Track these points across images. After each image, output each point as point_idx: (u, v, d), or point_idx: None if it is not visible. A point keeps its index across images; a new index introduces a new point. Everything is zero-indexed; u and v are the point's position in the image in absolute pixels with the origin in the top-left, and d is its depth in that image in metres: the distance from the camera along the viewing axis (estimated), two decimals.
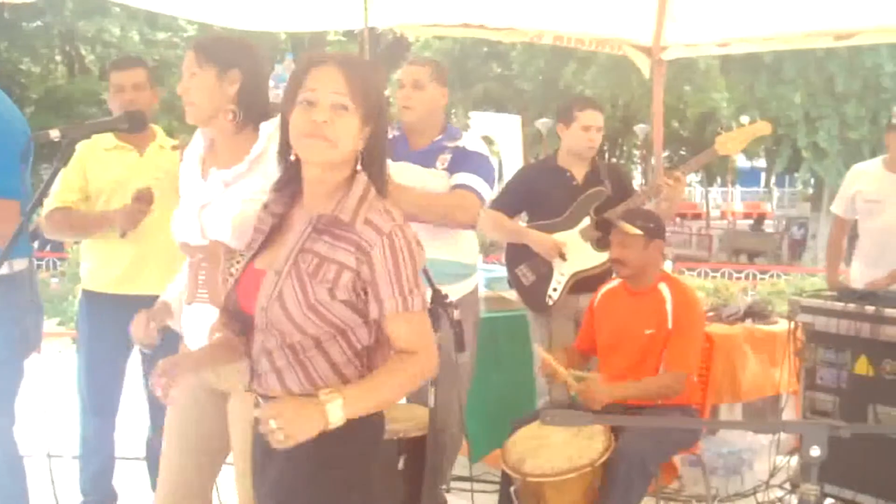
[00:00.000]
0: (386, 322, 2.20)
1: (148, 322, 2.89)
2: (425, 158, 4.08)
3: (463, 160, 4.09)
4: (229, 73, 2.80)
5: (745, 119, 4.81)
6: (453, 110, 28.41)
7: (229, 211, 2.80)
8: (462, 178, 4.05)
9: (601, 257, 4.61)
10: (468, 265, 4.28)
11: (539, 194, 4.78)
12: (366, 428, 2.23)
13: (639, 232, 4.10)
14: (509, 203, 4.85)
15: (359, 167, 2.25)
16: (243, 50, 2.87)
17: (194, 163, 2.98)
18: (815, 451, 1.83)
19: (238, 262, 2.54)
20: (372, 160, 2.27)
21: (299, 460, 2.20)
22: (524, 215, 4.96)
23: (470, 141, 4.17)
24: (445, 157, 4.09)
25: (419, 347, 2.23)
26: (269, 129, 2.83)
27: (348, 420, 2.12)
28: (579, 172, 4.80)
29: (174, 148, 4.14)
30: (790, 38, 6.41)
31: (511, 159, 14.33)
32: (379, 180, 2.28)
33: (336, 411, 2.08)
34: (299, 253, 2.20)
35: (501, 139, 16.23)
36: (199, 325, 2.81)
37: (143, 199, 3.93)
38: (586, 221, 4.68)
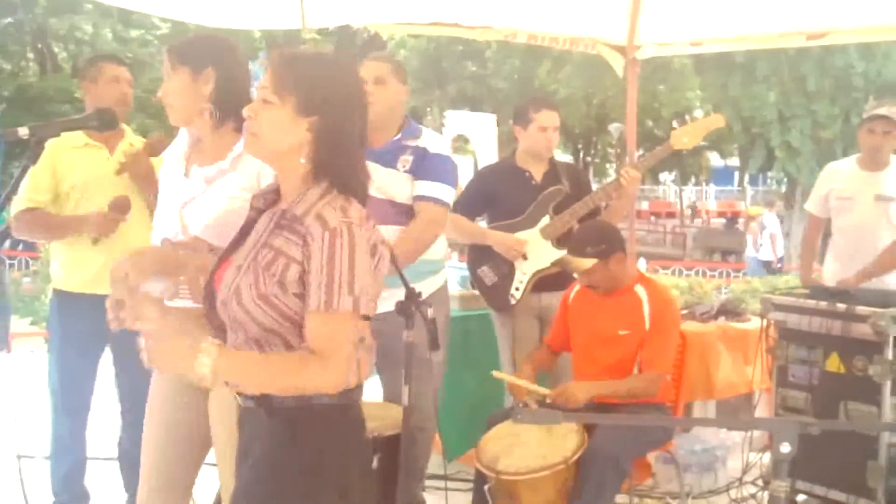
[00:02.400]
0: (307, 318, 2.13)
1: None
2: (386, 158, 4.04)
3: (426, 165, 4.05)
4: (203, 72, 2.82)
5: (699, 113, 4.87)
6: (428, 109, 28.41)
7: (212, 208, 2.81)
8: (425, 188, 4.02)
9: (562, 255, 4.62)
10: (435, 261, 4.28)
11: (498, 195, 4.79)
12: (345, 429, 2.23)
13: (592, 260, 4.09)
14: (469, 205, 4.86)
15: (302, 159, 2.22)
16: (217, 48, 2.88)
17: (177, 160, 2.98)
18: (786, 448, 1.85)
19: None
20: (321, 152, 2.21)
21: (275, 461, 2.20)
22: (485, 216, 4.97)
23: (431, 141, 4.13)
24: (407, 159, 4.05)
25: (327, 353, 2.12)
26: None
27: (329, 418, 2.14)
28: (538, 172, 4.81)
29: (144, 146, 4.11)
30: (763, 38, 6.45)
31: (486, 158, 14.31)
32: (336, 173, 2.22)
33: (204, 362, 2.04)
34: (261, 248, 2.20)
35: (476, 138, 16.23)
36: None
37: (119, 208, 3.92)
38: (546, 220, 4.70)
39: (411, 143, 4.09)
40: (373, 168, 3.99)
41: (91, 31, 23.46)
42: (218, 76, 2.83)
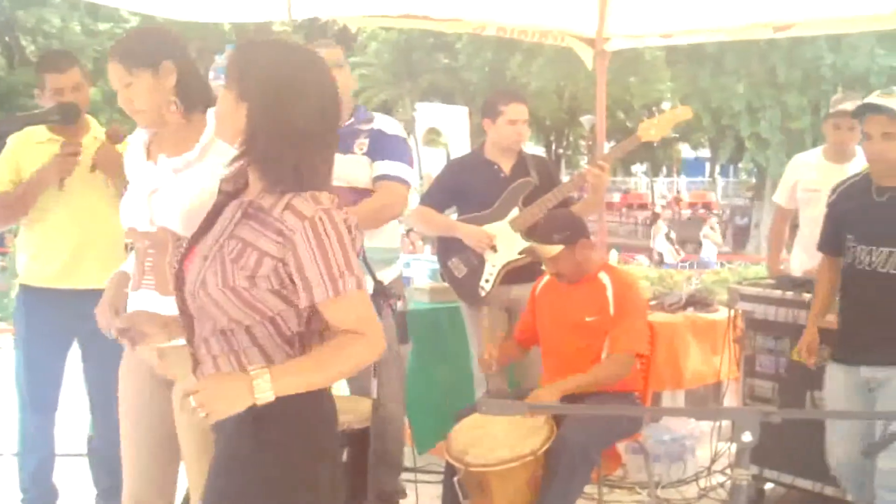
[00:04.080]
0: (321, 309, 2.15)
1: (111, 308, 2.88)
2: (341, 143, 4.03)
3: (382, 146, 4.09)
4: (162, 67, 2.79)
5: (666, 105, 4.91)
6: (400, 101, 28.37)
7: (181, 198, 2.79)
8: (384, 167, 4.05)
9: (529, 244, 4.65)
10: (391, 249, 4.29)
11: (468, 187, 4.80)
12: (311, 422, 2.22)
13: (559, 247, 4.12)
14: (439, 198, 4.87)
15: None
16: (165, 41, 2.87)
17: (139, 149, 2.96)
18: (748, 437, 1.86)
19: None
20: (255, 140, 2.17)
21: (241, 455, 2.19)
22: (454, 209, 4.98)
23: (385, 123, 4.17)
24: (363, 142, 4.08)
25: (361, 328, 2.15)
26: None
27: (294, 411, 2.14)
28: (506, 164, 4.82)
29: (107, 136, 4.06)
30: (731, 30, 6.51)
31: (458, 150, 14.36)
32: (271, 163, 2.16)
33: (264, 386, 2.05)
34: (227, 238, 2.19)
35: (448, 130, 16.27)
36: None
37: (69, 150, 3.88)
38: (515, 212, 4.71)
39: (365, 126, 4.11)
40: None
41: (59, 24, 23.26)
42: (177, 67, 2.81)
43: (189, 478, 2.91)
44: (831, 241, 4.04)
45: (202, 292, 2.17)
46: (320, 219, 2.11)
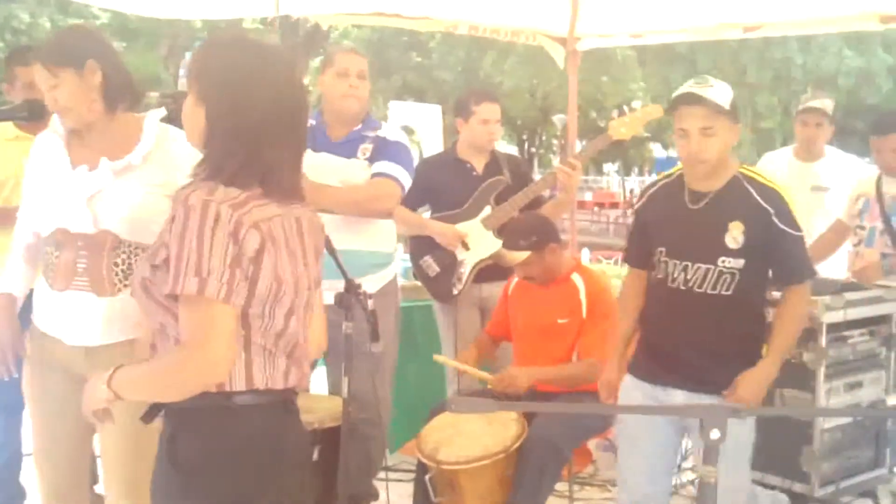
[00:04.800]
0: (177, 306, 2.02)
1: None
2: (346, 149, 4.09)
3: (383, 149, 4.11)
4: (86, 66, 2.79)
5: (637, 104, 4.93)
6: (373, 99, 28.30)
7: (126, 202, 2.80)
8: (381, 166, 4.07)
9: (498, 249, 4.65)
10: (386, 254, 4.29)
11: (440, 186, 4.81)
12: (235, 433, 2.10)
13: (526, 253, 4.12)
14: (411, 196, 4.86)
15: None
16: (88, 39, 2.88)
17: (58, 151, 2.92)
18: (715, 434, 1.87)
19: (123, 253, 2.62)
20: (213, 140, 2.09)
21: (162, 458, 2.16)
22: (427, 207, 4.98)
23: (390, 131, 4.21)
24: (367, 148, 4.11)
25: (186, 339, 1.99)
26: (156, 125, 2.85)
27: (209, 420, 2.08)
28: (479, 163, 4.84)
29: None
30: (701, 30, 6.56)
31: (432, 149, 14.30)
32: (219, 160, 2.07)
33: (101, 388, 2.10)
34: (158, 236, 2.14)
35: (422, 129, 16.22)
36: (73, 312, 2.85)
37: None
38: (487, 211, 4.72)
39: (371, 133, 4.13)
40: (333, 161, 4.05)
41: (28, 20, 23.01)
42: (101, 65, 2.81)
43: (105, 475, 2.95)
44: (638, 253, 3.52)
45: (135, 293, 2.15)
46: (194, 207, 1.98)
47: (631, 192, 33.63)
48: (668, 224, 3.35)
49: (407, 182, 4.11)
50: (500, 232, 4.63)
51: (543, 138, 35.99)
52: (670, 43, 13.45)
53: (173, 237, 1.99)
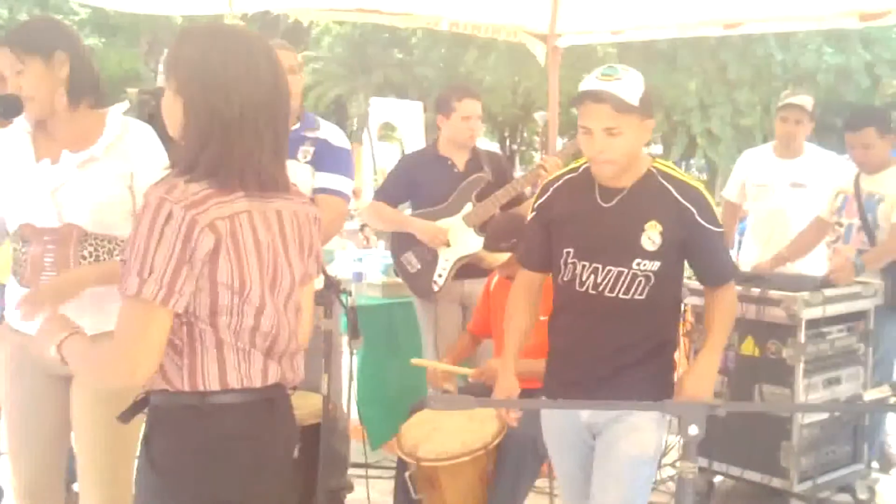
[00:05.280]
0: None
1: None
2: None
3: (327, 157, 3.98)
4: (55, 56, 2.79)
5: None
6: (354, 96, 28.27)
7: (90, 195, 2.79)
8: (327, 180, 3.95)
9: (478, 250, 4.65)
10: (326, 251, 4.26)
11: (421, 183, 4.80)
12: (203, 432, 2.09)
13: (506, 255, 4.12)
14: (392, 193, 4.87)
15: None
16: (59, 31, 2.88)
17: (23, 145, 2.91)
18: (693, 430, 1.88)
19: (90, 246, 2.63)
20: (189, 132, 2.05)
21: (141, 457, 2.16)
22: (409, 204, 4.97)
23: (331, 133, 4.07)
24: (308, 150, 3.98)
25: (118, 340, 1.99)
26: (119, 118, 2.84)
27: (179, 419, 2.08)
28: (460, 160, 4.84)
29: None
30: (681, 27, 6.55)
31: (413, 146, 14.31)
32: (194, 153, 2.04)
33: (54, 341, 2.14)
34: None
35: (403, 125, 16.22)
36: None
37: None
38: (469, 207, 4.72)
39: (310, 134, 4.04)
40: None
41: (7, 15, 22.90)
42: (70, 57, 2.80)
43: (81, 473, 2.92)
44: (540, 254, 3.15)
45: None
46: (149, 206, 1.96)
47: None
48: (576, 223, 3.00)
49: (350, 189, 4.04)
50: (482, 229, 4.63)
51: (525, 135, 36.00)
52: (651, 40, 13.46)
53: (130, 234, 1.99)
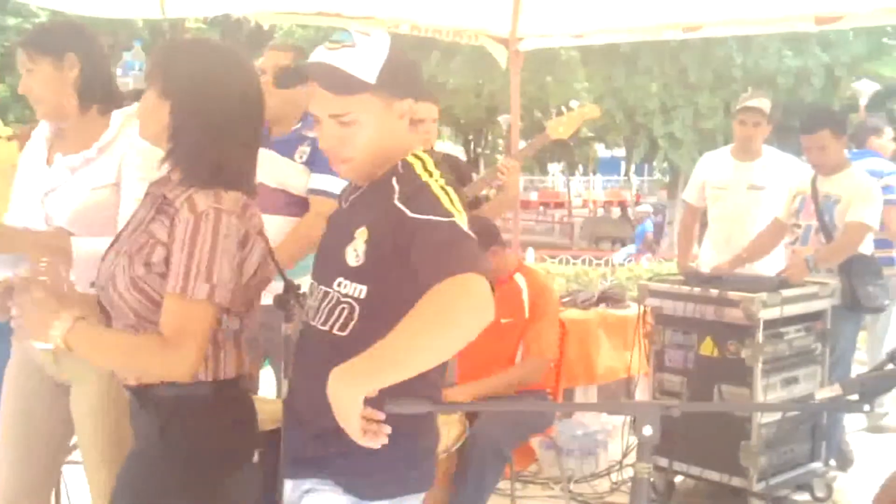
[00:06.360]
0: (164, 300, 2.09)
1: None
2: (285, 147, 4.03)
3: (321, 158, 3.99)
4: (66, 58, 2.77)
5: (574, 103, 4.95)
6: None
7: (76, 198, 2.77)
8: (319, 181, 3.96)
9: None
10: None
11: None
12: (218, 423, 2.20)
13: None
14: None
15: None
16: (74, 33, 2.84)
17: (40, 147, 2.90)
18: (648, 431, 1.88)
19: None
20: (177, 135, 2.17)
21: (146, 454, 2.20)
22: None
23: None
24: (304, 150, 4.03)
25: (175, 339, 2.05)
26: (121, 118, 2.81)
27: (198, 411, 2.13)
28: None
29: (10, 138, 3.98)
30: (641, 30, 6.61)
31: None
32: (193, 159, 2.16)
33: (57, 329, 2.05)
34: (140, 233, 2.18)
35: None
36: None
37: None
38: None
39: (310, 134, 4.06)
40: (270, 157, 3.99)
41: None
42: (81, 61, 2.77)
43: (90, 486, 2.87)
44: None
45: (111, 287, 2.16)
46: (207, 216, 2.08)
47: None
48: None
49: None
50: None
51: (489, 138, 36.04)
52: (613, 43, 13.54)
53: (180, 240, 2.07)
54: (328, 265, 2.20)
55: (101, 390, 2.73)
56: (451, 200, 2.06)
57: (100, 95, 2.82)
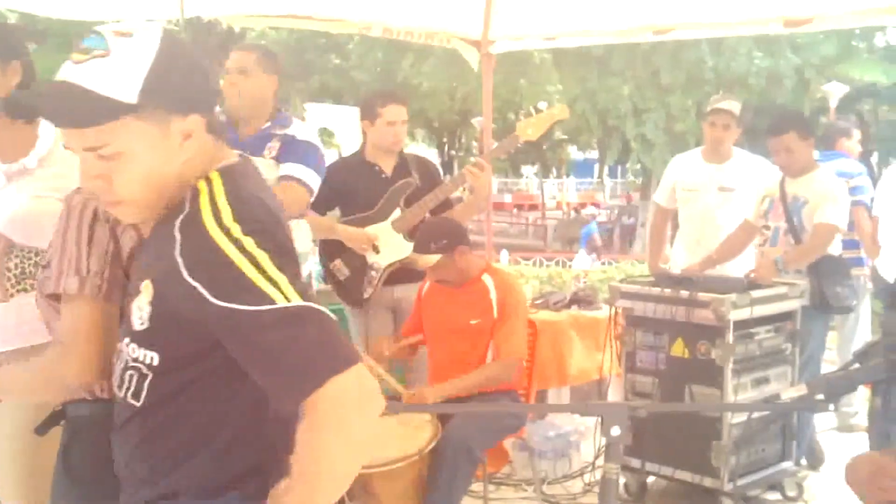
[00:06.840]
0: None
1: None
2: (253, 147, 4.00)
3: (291, 149, 4.03)
4: (11, 64, 2.75)
5: (543, 105, 4.97)
6: (290, 101, 28.08)
7: (15, 205, 2.75)
8: (288, 168, 3.99)
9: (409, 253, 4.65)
10: (301, 254, 4.24)
11: (349, 189, 4.77)
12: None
13: (437, 256, 4.14)
14: (320, 200, 4.81)
15: None
16: (19, 42, 2.82)
17: None
18: (616, 431, 1.90)
19: (16, 257, 2.56)
20: None
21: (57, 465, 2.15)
22: (338, 211, 4.95)
23: (300, 129, 4.12)
24: (273, 146, 4.04)
25: (65, 337, 1.92)
26: (53, 128, 2.80)
27: (94, 434, 2.02)
28: (387, 165, 4.82)
29: None
30: (612, 33, 6.65)
31: (351, 151, 14.27)
32: None
33: None
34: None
35: (340, 131, 16.14)
36: None
37: None
38: (398, 213, 4.71)
39: (279, 131, 4.06)
40: None
41: None
42: (23, 70, 2.77)
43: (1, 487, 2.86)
44: None
45: (38, 297, 2.11)
46: (75, 205, 1.95)
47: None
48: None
49: (315, 183, 4.04)
50: (411, 234, 4.62)
51: (463, 141, 36.10)
52: (586, 45, 13.59)
53: (56, 237, 1.97)
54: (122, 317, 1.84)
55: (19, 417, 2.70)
56: (259, 268, 1.59)
57: (30, 105, 2.82)
